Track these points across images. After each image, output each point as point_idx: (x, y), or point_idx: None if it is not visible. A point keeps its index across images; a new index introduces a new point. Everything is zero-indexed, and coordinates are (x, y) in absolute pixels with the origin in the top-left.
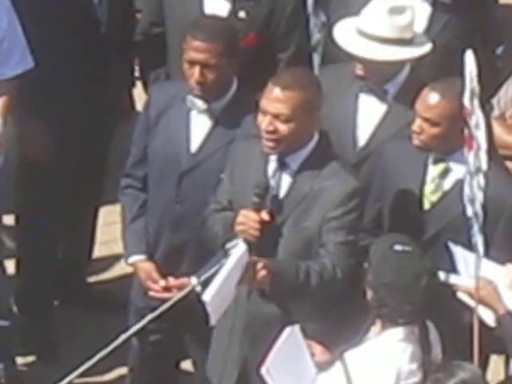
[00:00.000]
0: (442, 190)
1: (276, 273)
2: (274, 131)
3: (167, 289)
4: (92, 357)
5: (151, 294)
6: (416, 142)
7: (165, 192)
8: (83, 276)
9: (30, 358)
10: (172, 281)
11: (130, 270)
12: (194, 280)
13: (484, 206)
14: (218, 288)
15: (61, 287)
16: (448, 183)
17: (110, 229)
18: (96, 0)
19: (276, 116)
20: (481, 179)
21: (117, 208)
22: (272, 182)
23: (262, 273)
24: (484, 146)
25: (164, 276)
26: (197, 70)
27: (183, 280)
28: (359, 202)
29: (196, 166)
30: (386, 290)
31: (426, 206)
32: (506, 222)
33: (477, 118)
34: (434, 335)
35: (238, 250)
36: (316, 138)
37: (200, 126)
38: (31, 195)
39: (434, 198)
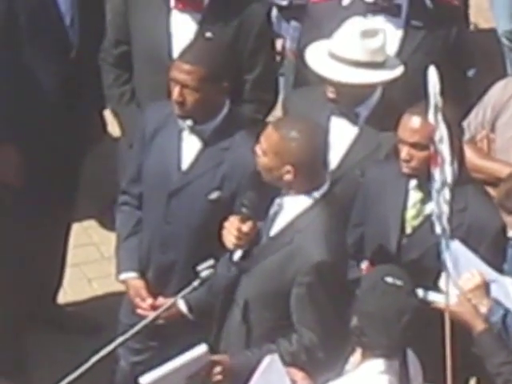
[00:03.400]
0: (423, 214)
1: (234, 374)
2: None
3: (155, 307)
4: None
5: (139, 311)
6: (406, 170)
7: (155, 211)
8: (55, 299)
9: None
10: (160, 300)
11: (101, 292)
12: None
13: (466, 233)
14: (161, 377)
15: (33, 310)
16: (429, 208)
17: (81, 251)
18: (68, 23)
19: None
20: (446, 193)
21: (88, 230)
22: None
23: (218, 378)
24: (448, 158)
25: (154, 295)
26: (176, 89)
27: (171, 300)
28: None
29: (185, 186)
30: (368, 319)
31: (408, 230)
32: (487, 249)
33: (440, 132)
34: (415, 368)
35: (197, 350)
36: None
37: (191, 146)
38: (2, 219)
39: (416, 222)
